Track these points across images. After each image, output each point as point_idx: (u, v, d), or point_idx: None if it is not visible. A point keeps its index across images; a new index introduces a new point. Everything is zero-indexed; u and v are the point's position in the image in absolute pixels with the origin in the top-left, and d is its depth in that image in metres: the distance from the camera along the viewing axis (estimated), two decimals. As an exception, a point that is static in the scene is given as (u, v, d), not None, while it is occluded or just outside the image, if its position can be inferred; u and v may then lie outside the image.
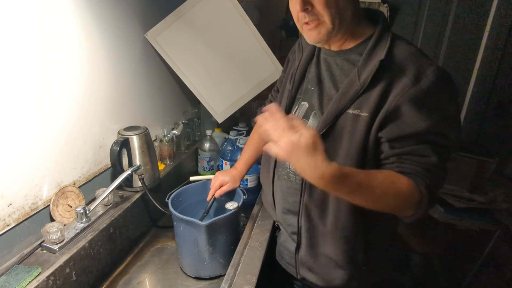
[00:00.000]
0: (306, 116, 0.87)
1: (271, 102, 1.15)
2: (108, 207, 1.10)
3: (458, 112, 0.76)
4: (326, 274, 0.91)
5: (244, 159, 1.17)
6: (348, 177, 0.65)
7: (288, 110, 0.93)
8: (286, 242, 0.98)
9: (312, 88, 0.87)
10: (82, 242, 0.94)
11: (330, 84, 0.83)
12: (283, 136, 0.62)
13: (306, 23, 0.75)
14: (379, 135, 0.73)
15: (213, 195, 1.12)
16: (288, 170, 0.90)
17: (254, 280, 0.85)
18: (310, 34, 0.78)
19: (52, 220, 0.97)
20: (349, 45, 0.81)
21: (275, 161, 0.95)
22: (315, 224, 0.87)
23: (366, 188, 0.68)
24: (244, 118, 1.76)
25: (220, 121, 1.61)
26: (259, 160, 1.14)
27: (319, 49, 0.90)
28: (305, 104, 0.88)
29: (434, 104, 0.70)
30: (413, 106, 0.69)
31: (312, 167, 0.62)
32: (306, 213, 0.87)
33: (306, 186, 0.84)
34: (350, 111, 0.75)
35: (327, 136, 0.78)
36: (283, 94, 0.97)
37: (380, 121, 0.72)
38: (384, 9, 1.80)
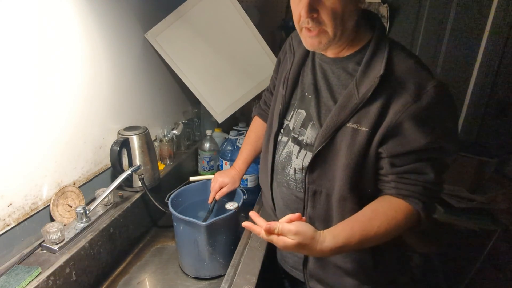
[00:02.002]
0: (304, 125, 0.85)
1: (265, 102, 1.13)
2: (108, 207, 1.10)
3: (456, 125, 0.78)
4: (336, 283, 0.90)
5: (242, 158, 1.16)
6: (344, 231, 0.70)
7: (282, 116, 0.91)
8: None
9: (310, 96, 0.85)
10: (82, 242, 0.94)
11: (327, 93, 0.81)
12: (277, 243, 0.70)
13: (308, 29, 0.73)
14: (379, 150, 0.73)
15: (213, 198, 1.12)
16: (288, 177, 0.89)
17: (254, 280, 0.85)
18: (310, 42, 0.76)
19: (52, 220, 0.97)
20: (346, 52, 0.79)
21: (272, 166, 0.94)
22: None
23: (367, 234, 0.71)
24: (244, 118, 1.77)
25: (220, 121, 1.61)
26: (258, 160, 1.14)
27: (313, 53, 0.88)
28: (302, 112, 0.86)
29: (435, 119, 0.70)
30: (415, 123, 0.69)
31: (310, 253, 0.71)
32: (311, 224, 0.86)
33: (308, 198, 0.83)
34: (349, 125, 0.75)
35: (326, 149, 0.78)
36: (276, 98, 0.95)
37: (381, 136, 0.72)
38: (384, 9, 1.80)
